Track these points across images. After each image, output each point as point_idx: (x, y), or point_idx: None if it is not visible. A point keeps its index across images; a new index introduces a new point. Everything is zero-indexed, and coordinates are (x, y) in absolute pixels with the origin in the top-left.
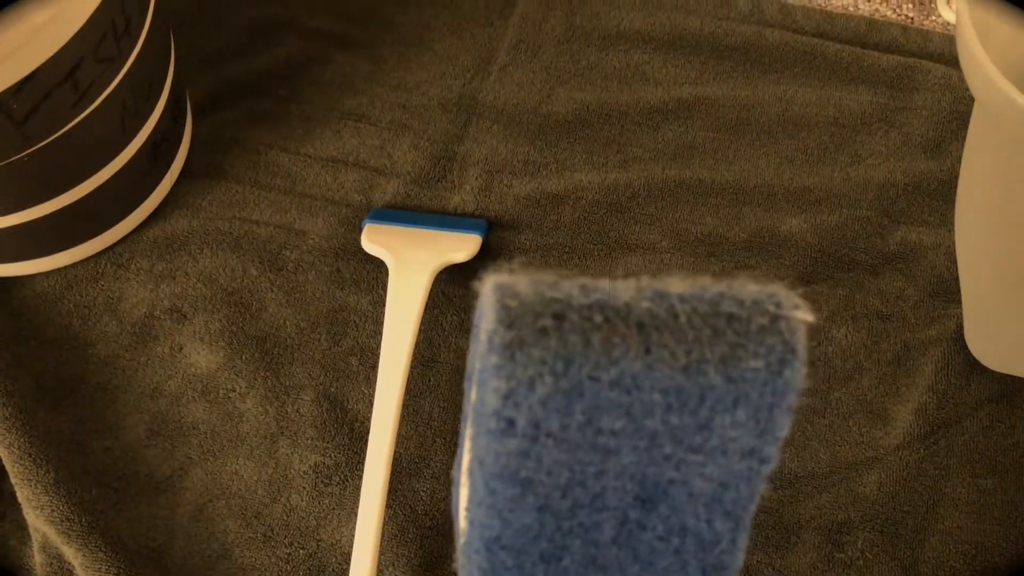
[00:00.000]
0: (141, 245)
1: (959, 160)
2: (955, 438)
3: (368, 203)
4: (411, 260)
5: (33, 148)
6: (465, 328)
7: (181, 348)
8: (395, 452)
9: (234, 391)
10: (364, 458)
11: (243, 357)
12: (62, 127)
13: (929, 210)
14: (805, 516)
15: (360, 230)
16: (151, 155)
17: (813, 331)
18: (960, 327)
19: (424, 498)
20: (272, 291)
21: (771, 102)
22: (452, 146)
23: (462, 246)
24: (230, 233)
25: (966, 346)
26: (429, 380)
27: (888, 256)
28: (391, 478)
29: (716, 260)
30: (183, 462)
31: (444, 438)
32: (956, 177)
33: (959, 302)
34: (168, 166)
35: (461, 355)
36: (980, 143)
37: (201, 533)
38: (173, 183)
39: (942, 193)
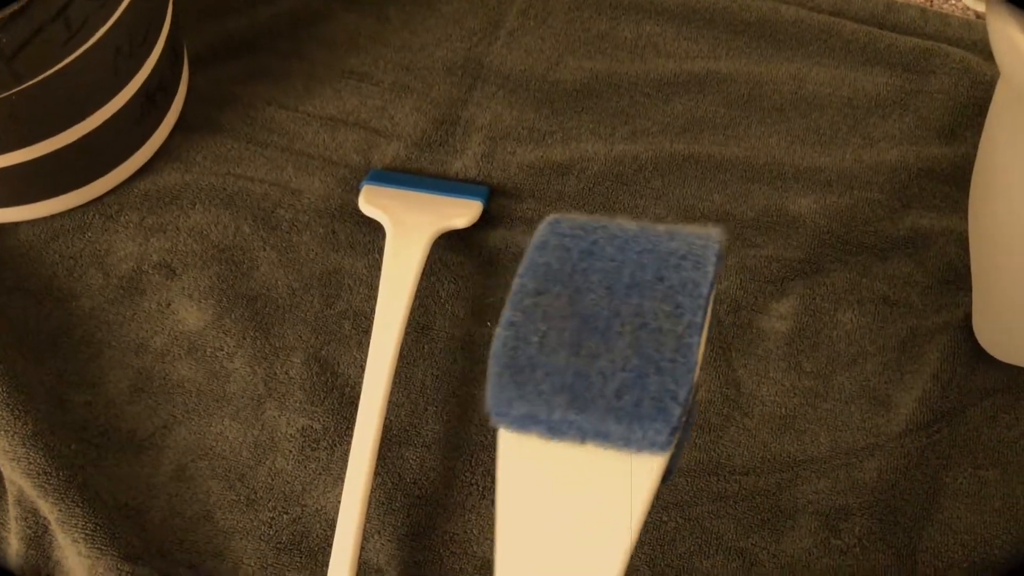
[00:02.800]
0: (131, 197)
1: (974, 146)
2: (958, 427)
3: (367, 164)
4: (409, 224)
5: (22, 86)
6: (462, 296)
7: (169, 304)
8: (385, 419)
9: (222, 350)
10: (353, 424)
11: (232, 316)
12: (52, 66)
13: (941, 196)
14: (803, 501)
15: (358, 191)
16: (145, 103)
17: (819, 314)
18: (968, 315)
19: (413, 466)
20: (265, 250)
21: (784, 80)
22: (456, 110)
23: (462, 212)
24: (224, 189)
25: (973, 335)
26: (423, 347)
27: (897, 241)
28: (380, 445)
29: None
30: (167, 420)
31: (436, 406)
32: (970, 163)
33: (968, 290)
34: (162, 117)
35: (457, 323)
36: (1003, 125)
37: (182, 493)
38: (167, 136)
39: (955, 179)
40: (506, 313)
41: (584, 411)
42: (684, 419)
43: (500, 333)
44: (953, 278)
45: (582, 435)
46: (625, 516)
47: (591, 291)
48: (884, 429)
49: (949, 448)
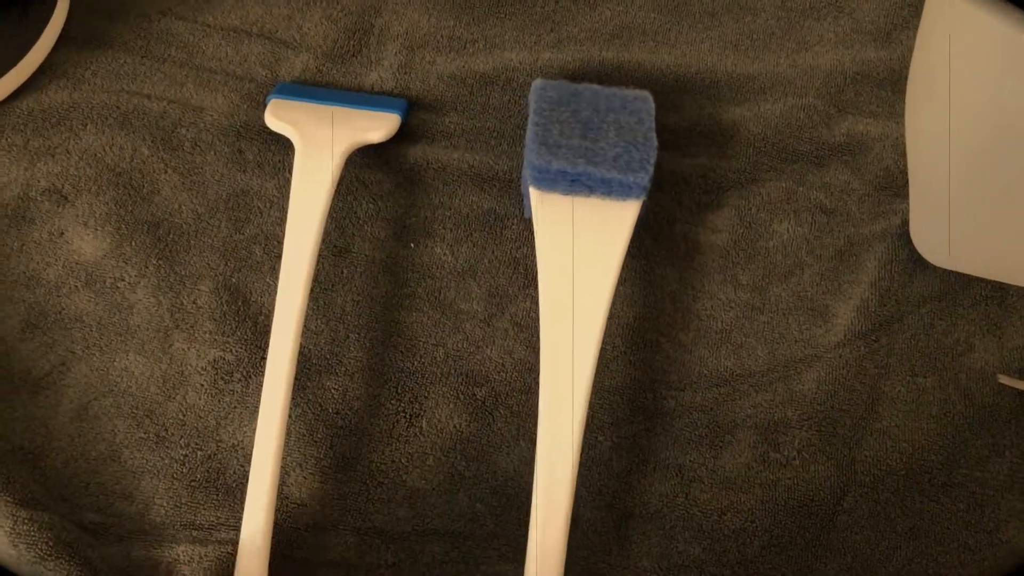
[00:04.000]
0: (13, 118)
1: (910, 49)
2: (896, 336)
3: (274, 78)
4: (320, 139)
5: None
6: (382, 217)
7: (62, 233)
8: (305, 348)
9: (123, 280)
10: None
11: (133, 244)
12: None
13: (877, 100)
14: (741, 415)
15: (264, 106)
16: (18, 12)
17: (755, 225)
18: (905, 222)
19: (335, 396)
20: (166, 172)
21: None
22: (369, 18)
23: (378, 125)
24: (117, 107)
25: (911, 242)
26: (341, 271)
27: (834, 147)
28: (300, 375)
29: None
30: (65, 357)
31: (358, 333)
32: (906, 67)
33: (905, 196)
34: (41, 29)
35: (377, 245)
36: (938, 25)
37: (85, 434)
38: (50, 50)
39: (891, 83)
40: (531, 119)
41: (596, 165)
42: (649, 181)
43: (531, 130)
44: (890, 184)
45: (591, 186)
46: (617, 244)
47: (583, 110)
48: (822, 340)
49: (887, 357)
